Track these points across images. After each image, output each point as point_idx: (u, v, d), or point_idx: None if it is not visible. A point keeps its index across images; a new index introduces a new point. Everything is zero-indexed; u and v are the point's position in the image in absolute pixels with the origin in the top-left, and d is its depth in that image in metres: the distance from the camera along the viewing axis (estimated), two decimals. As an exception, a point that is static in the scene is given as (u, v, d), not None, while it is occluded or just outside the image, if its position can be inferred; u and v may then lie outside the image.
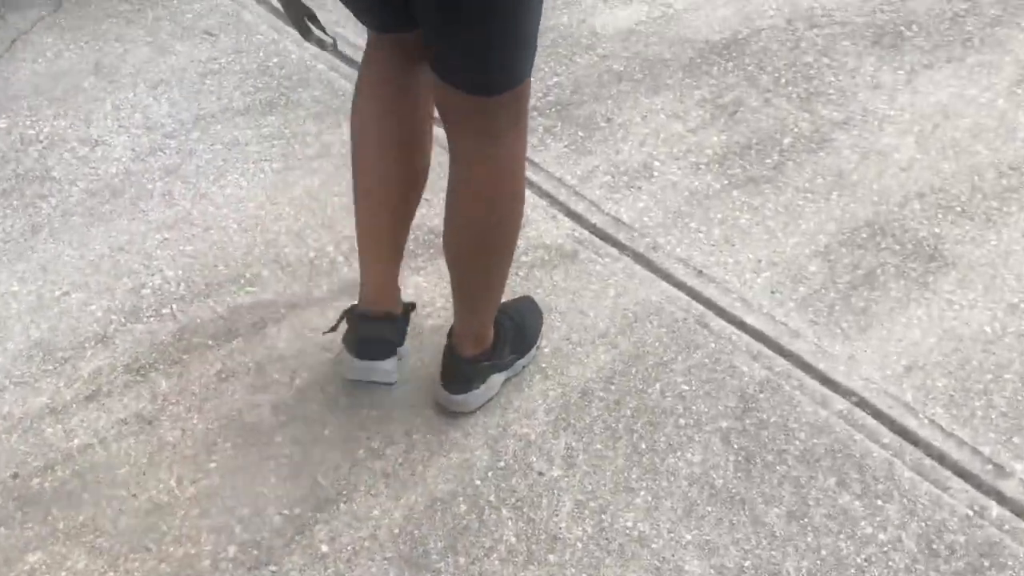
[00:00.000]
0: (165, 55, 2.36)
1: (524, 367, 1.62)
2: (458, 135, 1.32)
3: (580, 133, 2.16)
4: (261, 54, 2.36)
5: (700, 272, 1.85)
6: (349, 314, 1.54)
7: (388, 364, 1.53)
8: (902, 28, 2.49)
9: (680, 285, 1.81)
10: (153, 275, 1.82)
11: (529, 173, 2.06)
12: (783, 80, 2.31)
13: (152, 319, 1.73)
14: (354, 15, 1.38)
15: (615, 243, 1.91)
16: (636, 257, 1.88)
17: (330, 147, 2.11)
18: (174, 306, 1.76)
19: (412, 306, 1.60)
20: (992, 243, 1.91)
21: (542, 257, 1.88)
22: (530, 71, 1.27)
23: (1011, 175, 2.06)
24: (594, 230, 1.94)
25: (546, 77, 2.31)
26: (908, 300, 1.80)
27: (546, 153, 2.11)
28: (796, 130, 2.17)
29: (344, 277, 1.82)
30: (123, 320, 1.72)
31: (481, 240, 1.39)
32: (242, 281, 1.82)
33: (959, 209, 1.98)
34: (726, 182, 2.04)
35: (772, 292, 1.80)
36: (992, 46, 2.43)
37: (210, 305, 1.75)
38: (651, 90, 2.28)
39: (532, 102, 2.23)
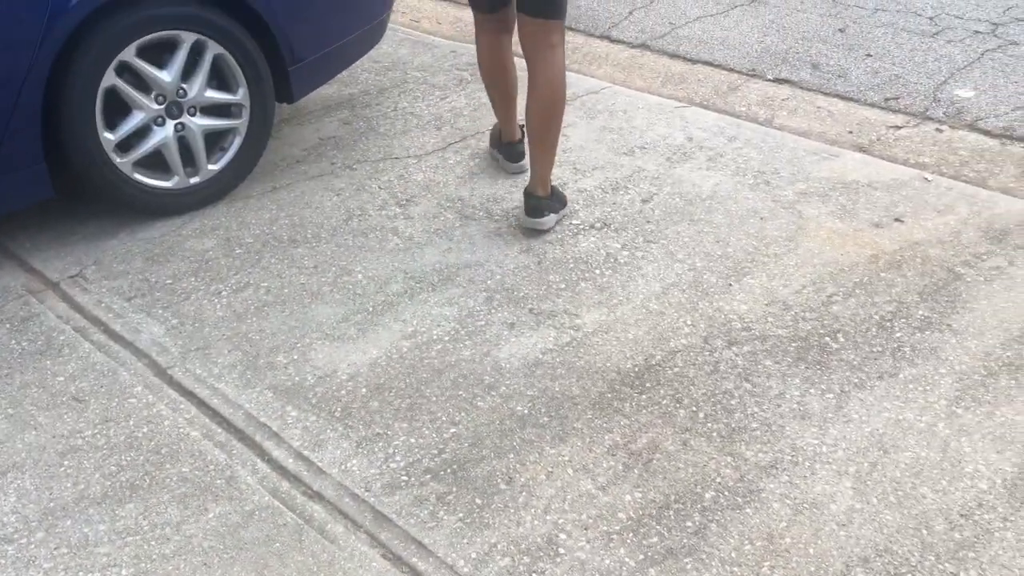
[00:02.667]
0: (24, 431, 2.15)
1: (564, 215, 2.91)
2: (532, 50, 2.65)
3: (478, 500, 1.92)
4: (131, 422, 2.16)
5: None
6: (505, 143, 3.18)
7: (525, 161, 3.12)
8: (827, 339, 2.33)
9: None
10: None
11: (416, 560, 1.80)
12: (702, 414, 2.11)
13: None
14: (473, 4, 2.86)
15: (513, 655, 1.62)
16: (537, 674, 1.58)
17: (191, 541, 1.85)
18: None
19: (523, 130, 3.15)
20: (954, 619, 1.64)
21: None
22: (566, 12, 2.62)
23: (963, 525, 1.81)
24: (488, 637, 1.65)
25: (443, 427, 2.11)
26: None
27: (438, 531, 1.85)
28: (719, 480, 1.94)
29: None
30: None
31: (549, 110, 2.69)
32: None
33: (910, 577, 1.72)
34: (642, 557, 1.78)
35: None
36: (925, 355, 2.26)
37: None
38: (558, 437, 2.06)
39: (425, 463, 2.02)
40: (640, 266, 2.66)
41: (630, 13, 4.76)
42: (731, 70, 4.13)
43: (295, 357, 2.34)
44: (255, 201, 3.07)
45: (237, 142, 3.03)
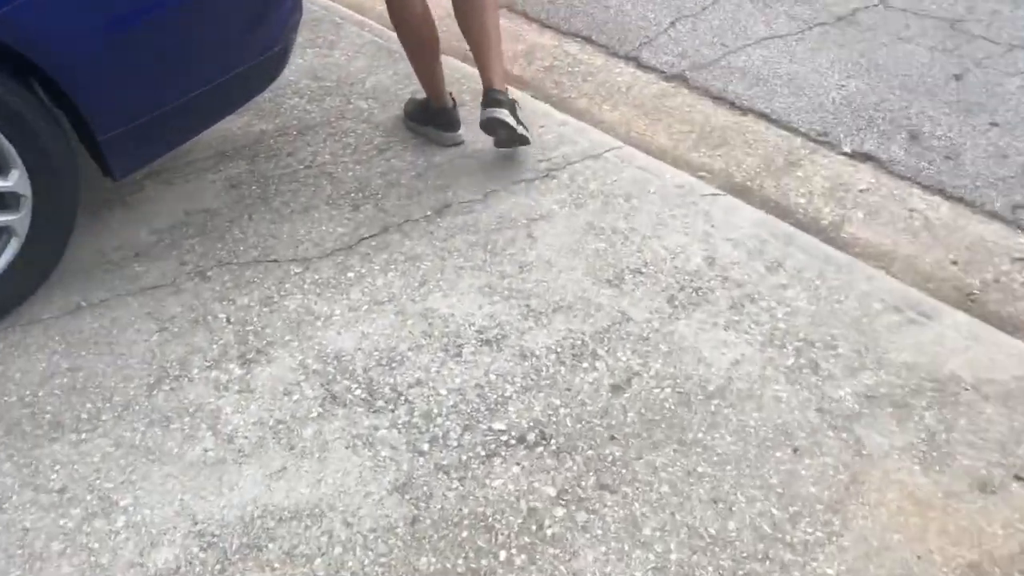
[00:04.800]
0: None
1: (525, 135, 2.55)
2: None
3: None
4: None
5: None
6: (435, 111, 2.74)
7: (462, 132, 2.75)
8: None
9: None
10: None
11: None
12: None
13: None
14: None
15: None
16: None
17: None
18: None
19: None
20: None
21: None
22: None
23: None
24: None
25: None
26: None
27: None
28: None
29: None
30: None
31: (485, 16, 2.57)
32: None
33: None
34: None
35: None
36: None
37: None
38: None
39: None
40: (577, 550, 1.61)
41: (672, 24, 3.57)
42: (794, 130, 2.95)
43: None
44: (39, 332, 2.08)
45: (14, 245, 2.03)
